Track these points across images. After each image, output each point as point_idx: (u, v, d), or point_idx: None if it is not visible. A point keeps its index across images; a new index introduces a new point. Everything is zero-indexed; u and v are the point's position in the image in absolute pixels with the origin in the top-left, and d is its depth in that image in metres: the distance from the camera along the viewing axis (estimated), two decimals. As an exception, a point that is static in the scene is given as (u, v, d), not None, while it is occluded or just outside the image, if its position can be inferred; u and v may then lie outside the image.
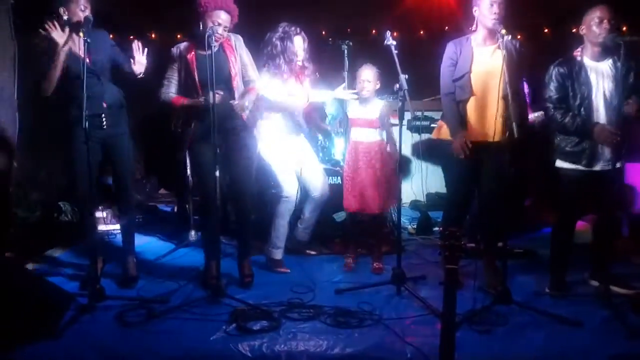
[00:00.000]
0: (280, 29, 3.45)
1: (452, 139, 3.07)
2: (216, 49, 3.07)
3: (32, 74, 4.04)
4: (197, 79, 3.07)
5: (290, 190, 3.53)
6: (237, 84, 3.19)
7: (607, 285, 3.03)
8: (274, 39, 3.44)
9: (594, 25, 2.90)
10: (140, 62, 3.14)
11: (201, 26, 3.03)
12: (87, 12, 3.01)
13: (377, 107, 3.51)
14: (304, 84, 3.59)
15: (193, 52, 3.10)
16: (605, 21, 2.87)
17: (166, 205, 5.28)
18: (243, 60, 3.22)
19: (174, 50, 3.17)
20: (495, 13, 2.93)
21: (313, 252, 3.79)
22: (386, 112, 3.53)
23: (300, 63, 3.51)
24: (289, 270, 3.54)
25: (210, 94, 2.86)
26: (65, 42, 2.95)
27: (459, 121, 3.07)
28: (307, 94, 3.60)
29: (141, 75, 3.19)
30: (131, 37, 3.33)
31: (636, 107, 2.86)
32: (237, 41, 3.22)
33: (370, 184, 3.46)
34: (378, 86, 3.50)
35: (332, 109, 4.45)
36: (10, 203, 4.13)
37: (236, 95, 3.17)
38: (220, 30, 3.00)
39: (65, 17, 3.01)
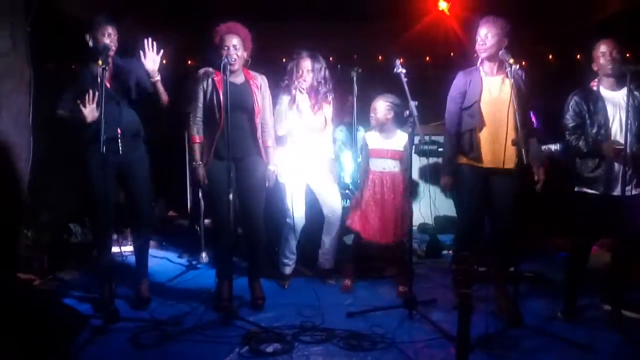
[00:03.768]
0: (299, 53, 3.58)
1: (442, 169, 3.23)
2: (241, 81, 3.23)
3: (47, 99, 4.16)
4: (222, 101, 3.11)
5: (294, 214, 3.62)
6: (258, 121, 3.28)
7: (619, 310, 3.05)
8: (288, 65, 3.57)
9: (601, 59, 3.01)
10: (151, 59, 3.10)
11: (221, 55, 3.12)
12: (112, 39, 3.10)
13: (403, 139, 3.60)
14: (322, 109, 3.64)
15: (219, 78, 3.16)
16: (612, 52, 2.97)
17: (174, 227, 5.32)
18: (264, 103, 3.33)
19: (201, 71, 3.25)
20: (482, 45, 3.07)
21: (332, 282, 3.76)
22: (410, 146, 3.60)
23: (308, 85, 3.56)
24: (285, 286, 3.68)
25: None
26: (92, 117, 3.05)
27: (451, 159, 3.21)
28: (324, 119, 3.65)
29: (165, 100, 3.23)
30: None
31: None
32: (263, 82, 3.34)
33: (391, 214, 3.54)
34: (390, 116, 3.57)
35: (341, 135, 4.50)
36: (21, 225, 4.18)
37: (258, 131, 3.27)
38: (232, 51, 3.12)
39: (90, 44, 3.11)
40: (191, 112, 3.23)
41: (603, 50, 3.01)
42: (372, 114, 3.60)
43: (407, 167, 3.59)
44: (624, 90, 2.99)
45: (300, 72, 3.54)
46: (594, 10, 5.22)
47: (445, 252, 4.45)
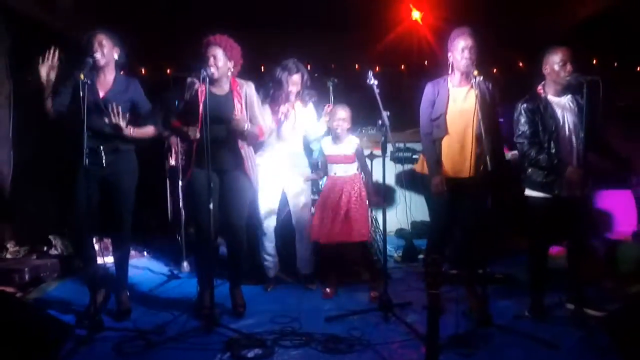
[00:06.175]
0: (285, 64, 3.69)
1: (430, 178, 3.24)
2: (225, 92, 3.28)
3: (27, 112, 4.20)
4: (200, 111, 3.16)
5: (267, 225, 3.81)
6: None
7: (581, 308, 3.22)
8: (277, 72, 3.69)
9: (557, 67, 3.13)
10: (115, 122, 3.10)
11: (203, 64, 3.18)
12: (103, 50, 3.14)
13: (353, 143, 3.73)
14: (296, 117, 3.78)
15: (204, 88, 3.14)
16: (567, 63, 3.11)
17: (156, 237, 5.36)
18: (252, 110, 3.36)
19: (189, 80, 3.27)
20: (466, 57, 3.15)
21: (313, 287, 3.89)
22: (361, 148, 3.77)
23: (293, 97, 3.73)
24: (267, 289, 3.86)
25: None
26: (48, 80, 3.02)
27: (437, 162, 3.25)
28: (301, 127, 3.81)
29: (151, 135, 3.31)
30: (121, 72, 3.41)
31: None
32: (249, 89, 3.37)
33: (346, 216, 3.62)
34: (349, 126, 3.72)
35: (317, 145, 4.62)
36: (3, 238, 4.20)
37: (238, 142, 3.32)
38: (211, 61, 3.18)
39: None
40: (170, 112, 3.29)
41: (562, 59, 3.11)
42: (340, 122, 3.65)
43: (364, 169, 3.77)
44: (568, 97, 3.18)
45: (290, 86, 3.69)
46: (563, 17, 5.43)
47: (421, 256, 4.57)
